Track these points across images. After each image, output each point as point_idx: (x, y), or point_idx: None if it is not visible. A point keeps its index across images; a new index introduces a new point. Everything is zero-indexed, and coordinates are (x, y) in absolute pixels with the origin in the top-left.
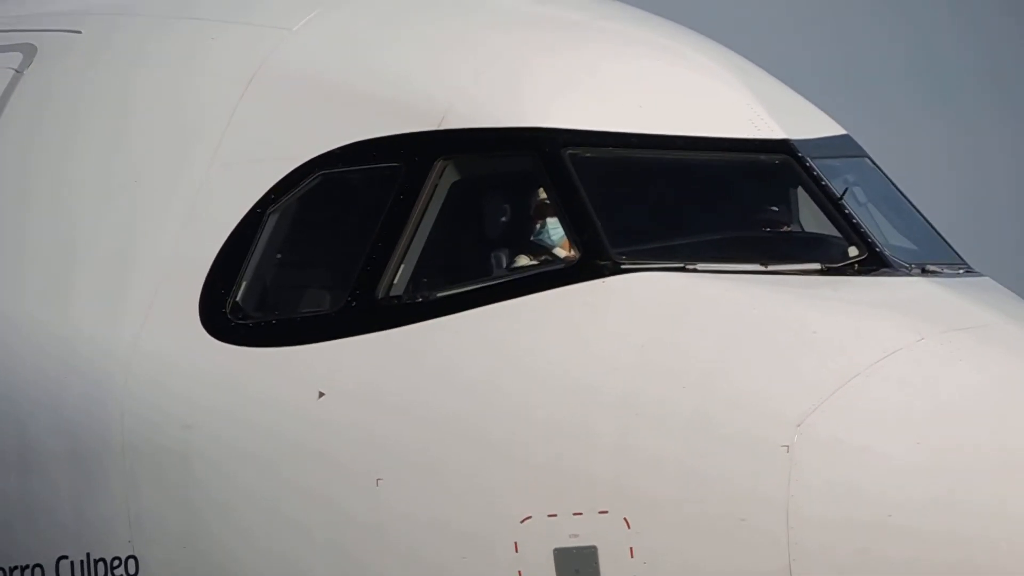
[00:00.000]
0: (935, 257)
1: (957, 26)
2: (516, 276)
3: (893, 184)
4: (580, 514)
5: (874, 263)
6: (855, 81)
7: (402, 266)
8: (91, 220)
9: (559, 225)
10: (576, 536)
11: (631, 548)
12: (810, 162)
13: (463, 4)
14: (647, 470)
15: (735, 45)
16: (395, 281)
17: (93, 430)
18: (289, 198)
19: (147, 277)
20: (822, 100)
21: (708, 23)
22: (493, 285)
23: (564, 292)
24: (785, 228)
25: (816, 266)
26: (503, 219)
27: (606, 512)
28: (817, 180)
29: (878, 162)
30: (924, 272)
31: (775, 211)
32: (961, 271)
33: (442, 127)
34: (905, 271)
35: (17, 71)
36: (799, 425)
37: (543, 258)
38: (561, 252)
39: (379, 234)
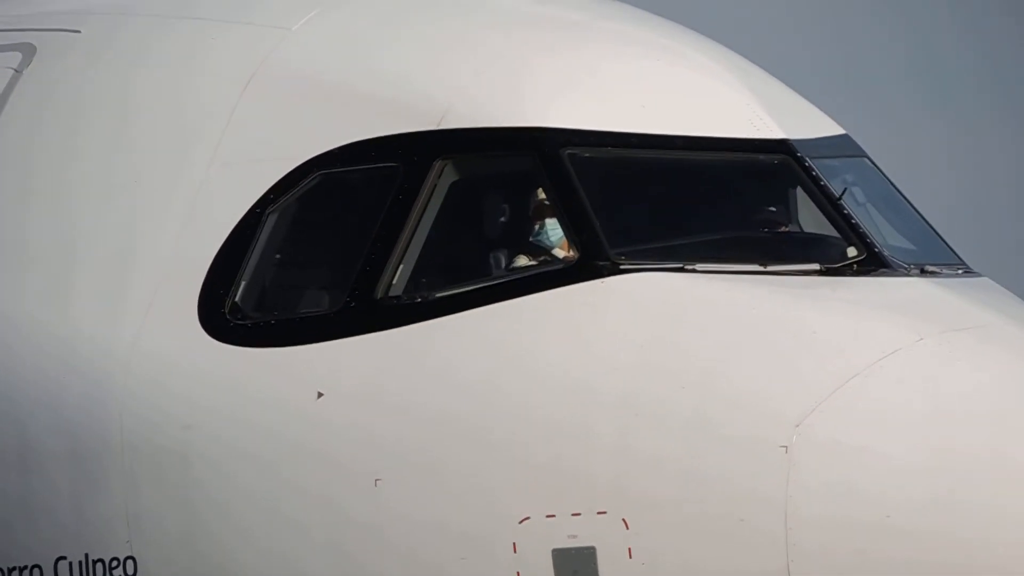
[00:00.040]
0: (934, 257)
1: (957, 26)
2: (515, 276)
3: (892, 184)
4: (579, 515)
5: (873, 263)
6: (855, 81)
7: (401, 266)
8: (91, 220)
9: (558, 225)
10: (575, 537)
11: (629, 548)
12: (809, 162)
13: (462, 4)
14: (646, 470)
15: (734, 45)
16: (394, 281)
17: (92, 430)
18: (288, 198)
19: (147, 277)
20: (822, 100)
21: (707, 23)
22: (492, 285)
23: (563, 292)
24: (784, 228)
25: (815, 266)
26: (502, 219)
27: (605, 513)
28: (816, 180)
29: (878, 162)
30: (923, 272)
31: (774, 211)
32: (960, 271)
33: (441, 127)
34: (904, 271)
35: (16, 71)
36: (798, 425)
37: (542, 258)
38: (560, 252)
39: (378, 234)
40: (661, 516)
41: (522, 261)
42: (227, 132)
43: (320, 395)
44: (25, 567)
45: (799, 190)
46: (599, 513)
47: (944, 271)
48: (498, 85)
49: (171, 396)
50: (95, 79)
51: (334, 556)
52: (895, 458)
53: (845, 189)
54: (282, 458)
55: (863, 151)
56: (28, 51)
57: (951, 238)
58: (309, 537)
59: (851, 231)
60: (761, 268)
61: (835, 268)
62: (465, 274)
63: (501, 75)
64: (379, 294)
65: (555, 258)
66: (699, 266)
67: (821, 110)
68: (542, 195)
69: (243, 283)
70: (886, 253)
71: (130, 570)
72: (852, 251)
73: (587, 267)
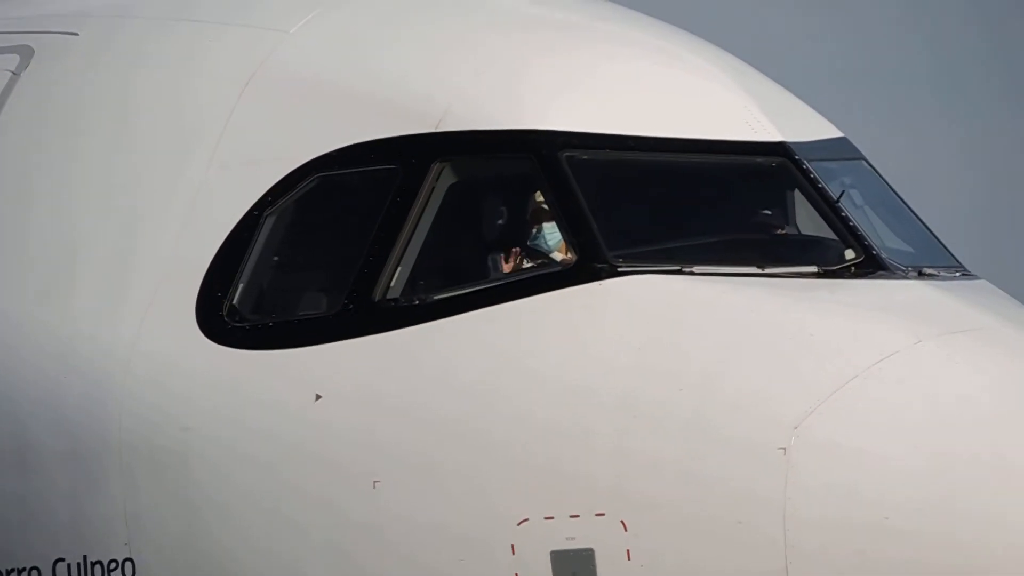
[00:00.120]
0: (931, 260)
1: (964, 25)
2: (513, 279)
3: (890, 187)
4: (577, 516)
5: (871, 266)
6: (855, 82)
7: (399, 268)
8: (89, 221)
9: (556, 227)
10: (573, 538)
11: (628, 550)
12: (807, 164)
13: (461, 6)
14: (645, 472)
15: (732, 47)
16: (392, 283)
17: (91, 430)
18: (286, 200)
19: (145, 278)
20: (821, 101)
21: (705, 25)
22: (490, 288)
23: (561, 295)
24: (782, 230)
25: (813, 269)
26: (500, 221)
27: (603, 514)
28: (814, 183)
29: (880, 164)
30: (920, 275)
31: (772, 214)
32: (957, 274)
33: (439, 129)
34: (902, 274)
35: (14, 73)
36: (796, 428)
37: (540, 261)
38: (558, 255)
39: (377, 236)
40: (660, 518)
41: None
42: (225, 134)
43: (318, 397)
44: (24, 568)
45: (797, 192)
46: (598, 515)
47: (942, 274)
48: (496, 87)
49: (170, 397)
50: (93, 81)
51: (333, 557)
52: (894, 460)
53: (843, 191)
54: (281, 460)
55: (861, 153)
56: (26, 53)
57: (954, 239)
58: (308, 538)
59: (849, 233)
60: (759, 270)
61: (833, 270)
62: (463, 276)
63: (499, 77)
64: (377, 296)
65: (553, 260)
66: (697, 268)
67: (821, 111)
68: (540, 197)
69: (241, 285)
70: (884, 255)
71: (128, 572)
72: (850, 253)
73: (585, 269)
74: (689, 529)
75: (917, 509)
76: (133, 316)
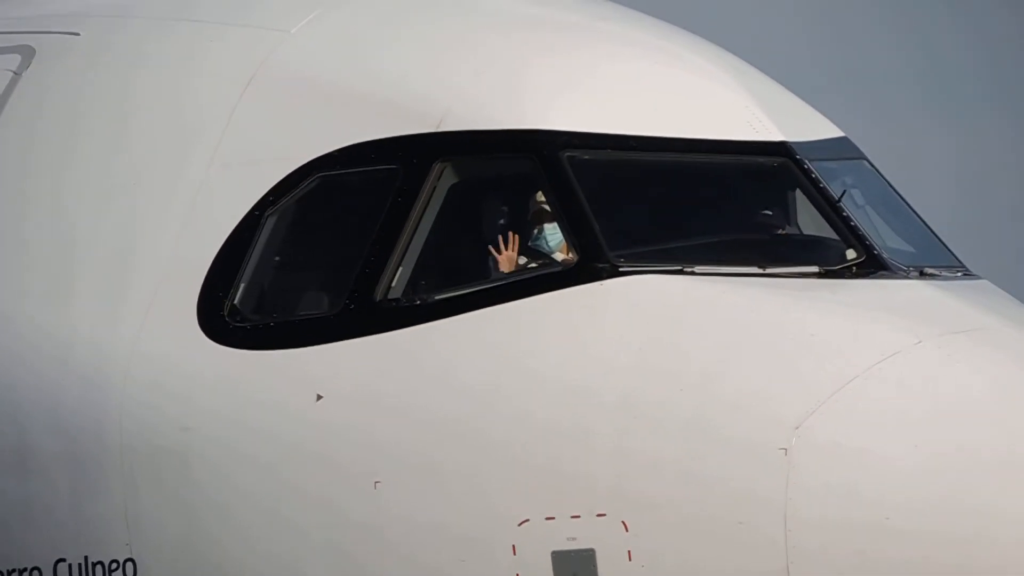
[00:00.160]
0: (933, 260)
1: (958, 27)
2: (514, 279)
3: (891, 186)
4: (578, 517)
5: (872, 266)
6: (854, 83)
7: (400, 268)
8: (90, 222)
9: (557, 228)
10: (574, 539)
11: (629, 551)
12: (808, 164)
13: (461, 6)
14: (645, 472)
15: (733, 47)
16: (393, 283)
17: (91, 432)
18: (287, 200)
19: (146, 278)
20: (820, 102)
21: (705, 25)
22: (491, 288)
23: (562, 295)
24: (783, 230)
25: (814, 268)
26: (501, 222)
27: (604, 515)
28: (815, 182)
29: (878, 164)
30: (922, 275)
31: (773, 213)
32: (959, 274)
33: (440, 129)
34: (903, 274)
35: (16, 73)
36: (797, 428)
37: (541, 261)
38: (559, 255)
39: (377, 236)
40: (661, 518)
41: (521, 263)
42: (226, 134)
43: (319, 397)
44: (24, 569)
45: (798, 192)
46: (599, 515)
47: (943, 273)
48: (497, 87)
49: (170, 398)
50: (94, 81)
51: (333, 557)
52: (895, 460)
53: (844, 191)
54: (281, 460)
55: (862, 153)
56: (27, 53)
57: (951, 240)
58: (308, 539)
59: (850, 233)
60: (760, 270)
61: (834, 270)
62: (464, 276)
63: (500, 77)
64: (378, 296)
65: (554, 260)
66: (698, 268)
67: (820, 112)
68: (541, 197)
69: (242, 285)
70: (885, 255)
71: (129, 572)
72: (851, 253)
73: (586, 269)
74: (690, 529)
75: (918, 509)
76: (133, 316)
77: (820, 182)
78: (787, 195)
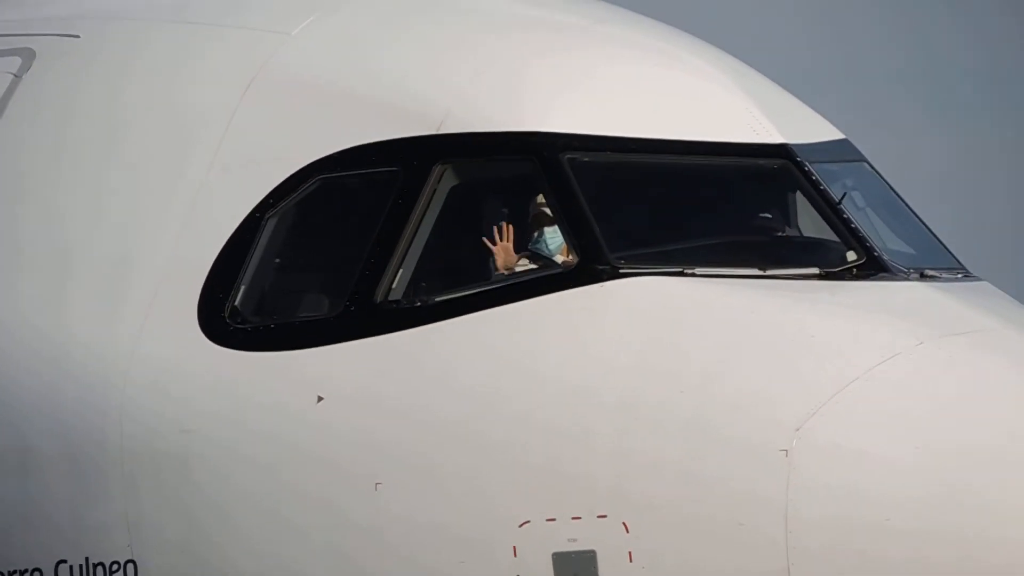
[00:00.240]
0: (933, 262)
1: (955, 28)
2: (515, 280)
3: (891, 188)
4: (579, 518)
5: (872, 267)
6: (852, 85)
7: (401, 270)
8: (90, 224)
9: (557, 231)
10: (575, 540)
11: (630, 552)
12: (809, 166)
13: (461, 8)
14: (646, 474)
15: (733, 49)
16: (394, 285)
17: (92, 435)
18: (288, 202)
19: (146, 281)
20: (818, 103)
21: (706, 27)
22: (491, 289)
23: (562, 296)
24: (783, 232)
25: (814, 270)
26: (502, 224)
27: (605, 516)
28: (816, 184)
29: (876, 166)
30: (922, 276)
31: (773, 215)
32: (959, 275)
33: (441, 131)
34: (903, 275)
35: (16, 75)
36: (798, 429)
37: (542, 262)
38: (560, 257)
39: (378, 238)
40: (661, 519)
41: (522, 265)
42: (227, 136)
43: (320, 399)
44: (25, 571)
45: (799, 194)
46: (599, 516)
47: (943, 275)
48: (497, 89)
49: (171, 400)
50: (94, 84)
51: (334, 559)
52: (895, 461)
53: (845, 193)
54: (282, 462)
55: (862, 155)
56: (28, 56)
57: (950, 242)
58: (309, 540)
59: (850, 235)
60: (760, 272)
61: (834, 272)
62: (465, 278)
63: (500, 79)
64: (379, 298)
65: (554, 262)
66: (698, 270)
67: (822, 113)
68: (541, 199)
69: (243, 287)
70: (885, 257)
71: (130, 573)
72: (851, 255)
73: (586, 271)
74: (691, 530)
75: (918, 510)
76: (133, 318)
77: (820, 184)
78: (787, 197)
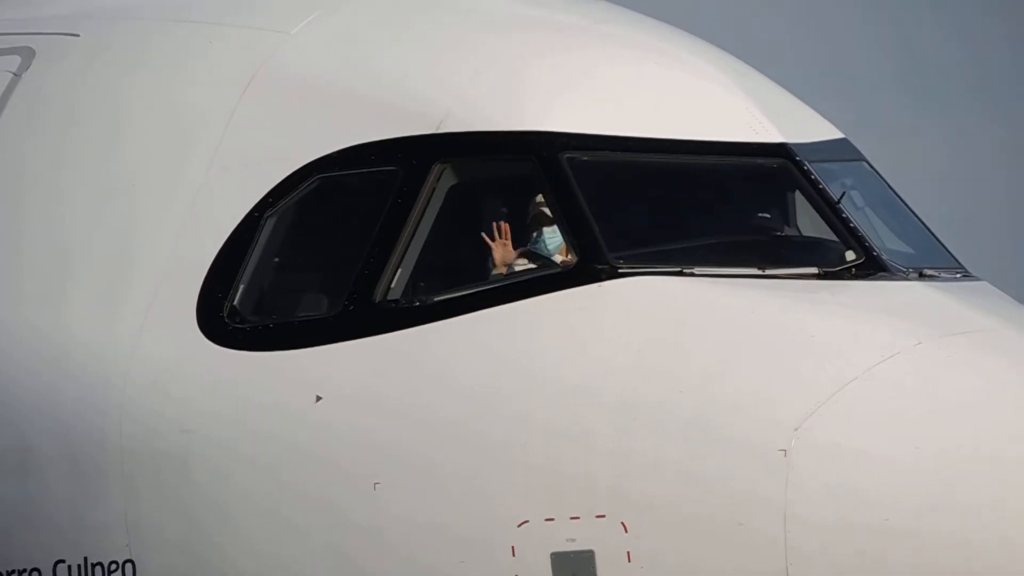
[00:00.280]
0: (932, 261)
1: (946, 29)
2: (514, 280)
3: (891, 188)
4: (577, 518)
5: (871, 267)
6: (847, 85)
7: (400, 270)
8: (89, 224)
9: (557, 231)
10: (573, 540)
11: (628, 552)
12: (808, 166)
13: (461, 7)
14: (645, 473)
15: (732, 48)
16: (393, 285)
17: (91, 434)
18: (287, 202)
19: (145, 280)
20: (817, 103)
21: (706, 27)
22: (491, 289)
23: (562, 296)
24: (783, 232)
25: (814, 270)
26: (501, 223)
27: (603, 516)
28: (815, 184)
29: (874, 165)
30: (921, 276)
31: (773, 215)
32: (958, 275)
33: (440, 131)
34: (902, 275)
35: (15, 74)
36: (797, 429)
37: (541, 262)
38: (559, 256)
39: (377, 238)
40: (660, 519)
41: (521, 265)
42: (226, 135)
43: (319, 398)
44: (24, 570)
45: (798, 194)
46: (598, 516)
47: (942, 275)
48: (497, 89)
49: (170, 400)
50: (94, 83)
51: (333, 559)
52: (894, 461)
53: (844, 193)
54: (281, 461)
55: (862, 155)
56: (27, 55)
57: (949, 242)
58: (308, 540)
59: (850, 235)
60: (760, 272)
61: (834, 272)
62: (464, 278)
63: (500, 78)
64: (378, 298)
65: (554, 262)
66: (698, 270)
67: (822, 113)
68: (541, 199)
69: (242, 287)
70: (884, 257)
71: (129, 573)
72: (851, 255)
73: (586, 271)
74: (690, 530)
75: (918, 510)
76: (133, 318)
77: (820, 183)
78: (786, 196)
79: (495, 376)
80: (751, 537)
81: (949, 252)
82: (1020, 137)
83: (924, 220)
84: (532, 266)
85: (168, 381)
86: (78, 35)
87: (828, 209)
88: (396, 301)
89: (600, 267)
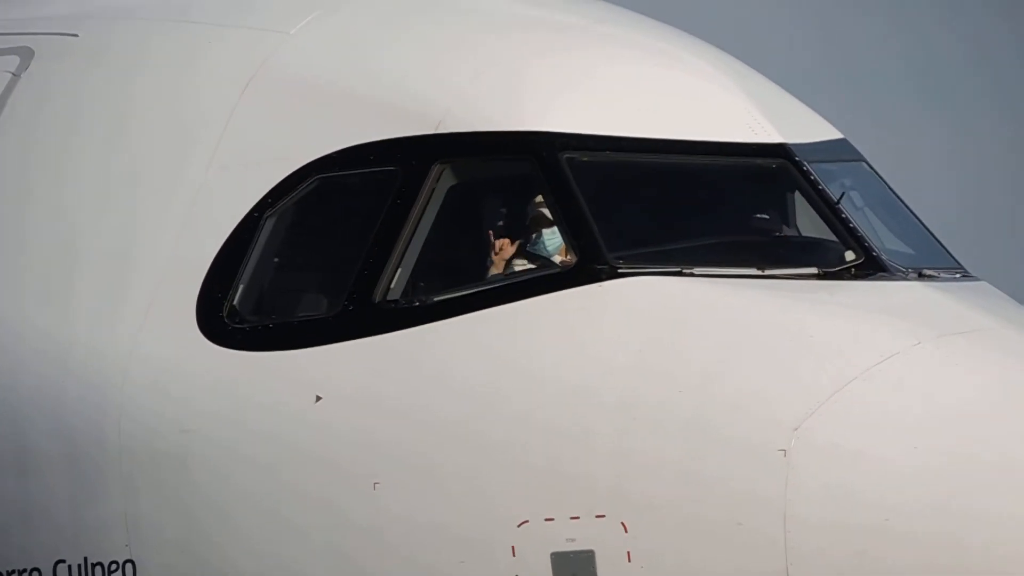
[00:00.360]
0: (932, 261)
1: (952, 27)
2: (513, 280)
3: (890, 188)
4: (577, 518)
5: (871, 267)
6: (849, 84)
7: (399, 270)
8: (89, 223)
9: (556, 232)
10: (573, 540)
11: (628, 552)
12: (807, 166)
13: (460, 7)
14: (645, 474)
15: (732, 48)
16: (392, 285)
17: (91, 434)
18: (286, 202)
19: (144, 280)
20: (817, 103)
21: (705, 27)
22: (491, 289)
23: (561, 296)
24: (782, 232)
25: (813, 270)
26: (500, 223)
27: (603, 516)
28: (814, 184)
29: (873, 165)
30: (921, 276)
31: (772, 215)
32: (958, 275)
33: (439, 131)
34: (902, 275)
35: (14, 74)
36: (796, 429)
37: (540, 262)
38: (558, 256)
39: (376, 238)
40: (660, 519)
41: (520, 265)
42: (225, 136)
43: (318, 398)
44: (24, 570)
45: (797, 194)
46: (598, 516)
47: (942, 275)
48: (496, 89)
49: (169, 400)
50: (93, 83)
51: (333, 559)
52: (894, 461)
53: (843, 193)
54: (281, 461)
55: (861, 155)
56: (26, 55)
57: (948, 242)
58: (308, 540)
59: (849, 235)
60: (759, 272)
61: (833, 272)
62: (463, 278)
63: (499, 79)
64: (377, 298)
65: (553, 262)
66: (697, 270)
67: (822, 113)
68: (540, 199)
69: (241, 286)
70: (884, 257)
71: (129, 573)
72: (850, 255)
73: (585, 271)
74: (689, 530)
75: (917, 511)
76: (132, 318)
77: (819, 184)
78: (786, 197)
79: (495, 376)
80: (751, 537)
81: (948, 252)
82: (1020, 137)
83: (923, 220)
84: (532, 266)
85: (168, 381)
86: (77, 35)
87: (827, 209)
88: (396, 301)
89: (600, 267)
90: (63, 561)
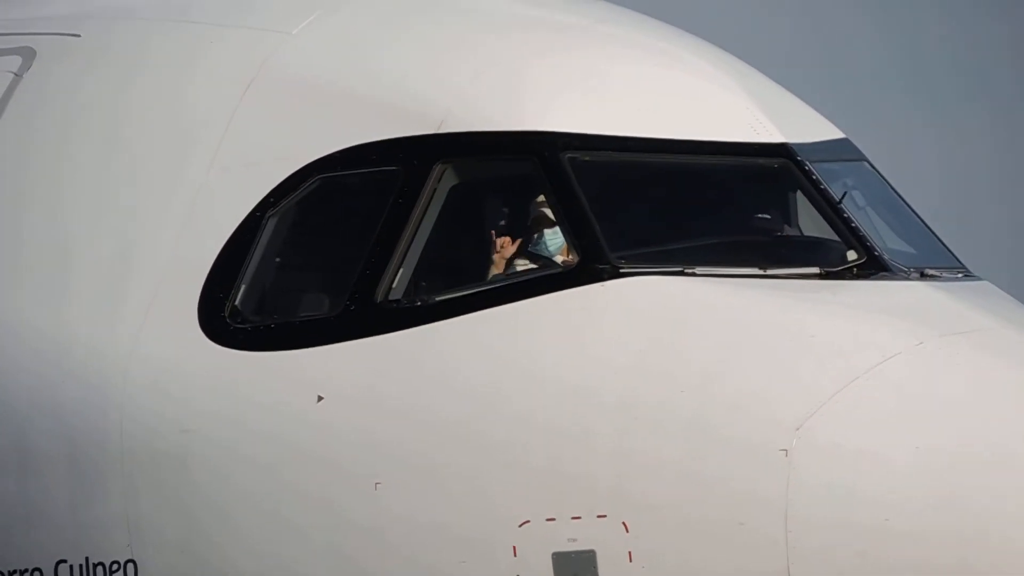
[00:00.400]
0: (934, 261)
1: (947, 30)
2: (515, 280)
3: (892, 188)
4: (579, 518)
5: (873, 267)
6: (851, 84)
7: (401, 270)
8: (90, 223)
9: (558, 232)
10: (574, 540)
11: (630, 552)
12: (809, 166)
13: (462, 7)
14: (646, 474)
15: (732, 48)
16: (394, 285)
17: (91, 435)
18: (288, 202)
19: (146, 280)
20: (818, 103)
21: (706, 27)
22: (492, 289)
23: (563, 296)
24: (784, 232)
25: (815, 270)
26: (502, 223)
27: (605, 516)
28: (816, 184)
29: (875, 165)
30: (923, 276)
31: (774, 215)
32: (960, 275)
33: (441, 131)
34: (904, 275)
35: (16, 75)
36: (798, 429)
37: (542, 262)
38: (560, 256)
39: (378, 238)
40: (661, 519)
41: (522, 265)
42: (227, 136)
43: (320, 399)
44: (25, 570)
45: (799, 194)
46: (599, 516)
47: (944, 275)
48: (497, 89)
49: (170, 400)
50: (95, 83)
51: (334, 559)
52: (895, 461)
53: (845, 193)
54: (282, 461)
55: (863, 155)
56: (28, 55)
57: (950, 241)
58: (309, 540)
59: (851, 235)
60: (761, 272)
61: (835, 272)
62: (465, 278)
63: (500, 78)
64: (379, 298)
65: (555, 262)
66: (699, 269)
67: (824, 113)
68: (542, 199)
69: (243, 286)
70: (886, 257)
71: (130, 573)
72: (852, 255)
73: (587, 271)
74: (691, 530)
75: (918, 510)
76: (133, 318)
77: (821, 183)
78: (788, 196)
79: (496, 376)
80: (752, 537)
81: (950, 252)
82: (1021, 137)
83: (925, 220)
84: (533, 266)
85: (169, 381)
86: (79, 35)
87: (829, 209)
88: (397, 301)
89: (601, 267)
90: (64, 561)
